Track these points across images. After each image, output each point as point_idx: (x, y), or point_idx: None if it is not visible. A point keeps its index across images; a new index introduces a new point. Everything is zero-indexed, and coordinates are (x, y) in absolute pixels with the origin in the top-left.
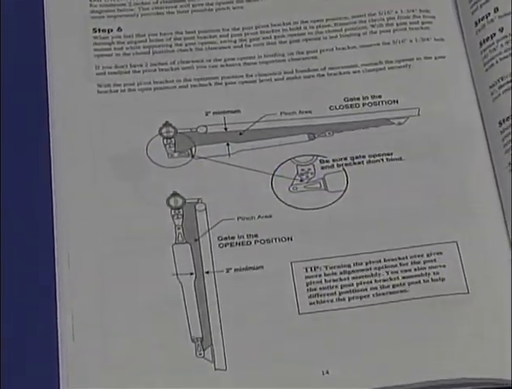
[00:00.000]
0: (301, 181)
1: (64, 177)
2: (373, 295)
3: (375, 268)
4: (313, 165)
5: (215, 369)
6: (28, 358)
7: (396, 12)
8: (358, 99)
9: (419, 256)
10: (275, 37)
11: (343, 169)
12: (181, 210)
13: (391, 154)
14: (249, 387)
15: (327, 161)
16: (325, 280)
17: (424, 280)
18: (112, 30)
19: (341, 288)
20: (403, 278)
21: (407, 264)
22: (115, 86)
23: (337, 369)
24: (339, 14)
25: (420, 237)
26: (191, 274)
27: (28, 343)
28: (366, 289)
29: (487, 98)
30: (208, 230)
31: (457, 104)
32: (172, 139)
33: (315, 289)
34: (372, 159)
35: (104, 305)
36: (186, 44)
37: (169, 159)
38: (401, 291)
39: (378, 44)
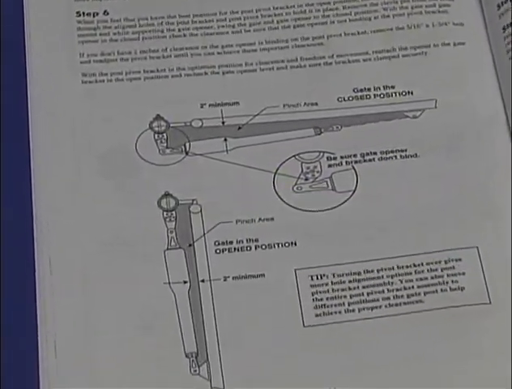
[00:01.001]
0: (306, 180)
1: (45, 176)
2: (386, 306)
3: (388, 276)
4: (320, 163)
5: (212, 387)
6: (7, 376)
7: None
8: (369, 90)
9: (436, 263)
10: (277, 22)
11: (353, 167)
12: (173, 212)
13: (405, 150)
14: None
15: (335, 158)
16: (332, 290)
17: (441, 289)
18: (97, 13)
19: (350, 298)
20: (419, 287)
21: (422, 272)
22: (101, 75)
23: (346, 387)
24: None
25: (438, 241)
26: (185, 282)
27: (6, 358)
28: (378, 299)
29: (511, 88)
30: (204, 234)
31: (478, 95)
32: (164, 134)
33: (321, 299)
34: (384, 156)
35: (89, 317)
36: (180, 30)
37: (161, 156)
38: (416, 301)
39: (391, 30)
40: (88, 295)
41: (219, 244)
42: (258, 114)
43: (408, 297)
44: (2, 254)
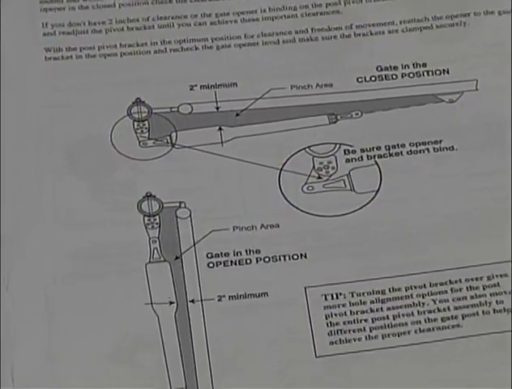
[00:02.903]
0: (319, 178)
1: (3, 177)
2: (416, 331)
3: (418, 295)
4: (335, 157)
5: None
6: None
7: None
8: (395, 68)
9: (476, 279)
10: None
11: (376, 163)
12: (157, 217)
13: (440, 142)
14: None
15: (354, 152)
16: (350, 312)
17: (483, 312)
18: None
19: (372, 322)
20: (456, 308)
21: (460, 290)
22: (68, 50)
23: None
24: None
25: (478, 253)
26: (171, 303)
27: None
28: (406, 324)
29: None
30: (194, 244)
31: None
32: (146, 122)
33: (337, 324)
34: (414, 148)
35: (53, 344)
36: None
37: (142, 148)
38: (453, 326)
39: None
40: (52, 318)
41: (212, 256)
42: (260, 98)
43: (443, 320)
44: None
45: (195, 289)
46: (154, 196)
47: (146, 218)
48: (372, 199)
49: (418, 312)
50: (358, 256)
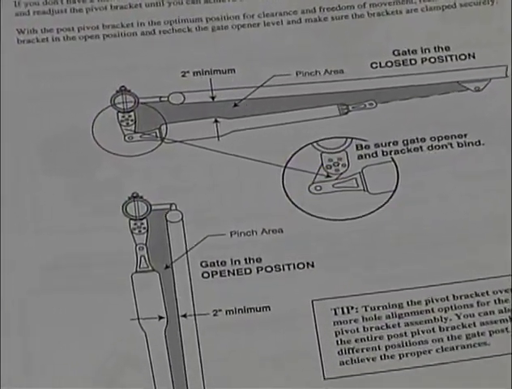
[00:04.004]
0: (328, 176)
1: None
2: (437, 350)
3: (440, 310)
4: (346, 153)
5: None
6: None
7: None
8: (414, 52)
9: (506, 291)
10: None
11: (392, 159)
12: (144, 221)
13: (465, 136)
14: None
15: (367, 147)
16: (363, 328)
17: None
18: None
19: (388, 339)
20: (482, 324)
21: (487, 303)
22: (44, 32)
23: None
24: None
25: (509, 262)
26: (160, 318)
27: None
28: (426, 342)
29: None
30: (186, 252)
31: None
32: (132, 113)
33: (349, 342)
34: (435, 143)
35: (28, 364)
36: None
37: (127, 143)
38: (479, 343)
39: None
40: (27, 336)
41: (207, 265)
42: (261, 86)
43: (468, 337)
44: None
45: (188, 303)
46: (141, 197)
47: (132, 222)
48: (388, 201)
49: (440, 328)
50: (372, 265)
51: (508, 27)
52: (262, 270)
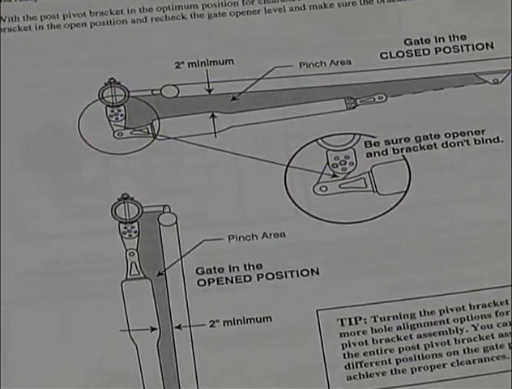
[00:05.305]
0: (334, 176)
1: None
2: (453, 364)
3: (455, 320)
4: (354, 150)
5: None
6: None
7: None
8: (427, 41)
9: None
10: None
11: (403, 158)
12: (135, 224)
13: (482, 132)
14: None
15: (377, 144)
16: (373, 340)
17: None
18: None
19: (399, 352)
20: (501, 336)
21: (506, 313)
22: (27, 20)
23: None
24: None
25: None
26: (152, 330)
27: None
28: (441, 355)
29: None
30: (181, 258)
31: None
32: (122, 108)
33: (357, 355)
34: (450, 140)
35: (7, 379)
36: None
37: (116, 140)
38: (497, 357)
39: None
40: (6, 349)
41: (203, 272)
42: (261, 78)
43: (486, 351)
44: None
45: (182, 313)
46: (131, 198)
47: (122, 225)
48: (398, 202)
49: (455, 340)
50: (381, 272)
51: None
52: (262, 277)
